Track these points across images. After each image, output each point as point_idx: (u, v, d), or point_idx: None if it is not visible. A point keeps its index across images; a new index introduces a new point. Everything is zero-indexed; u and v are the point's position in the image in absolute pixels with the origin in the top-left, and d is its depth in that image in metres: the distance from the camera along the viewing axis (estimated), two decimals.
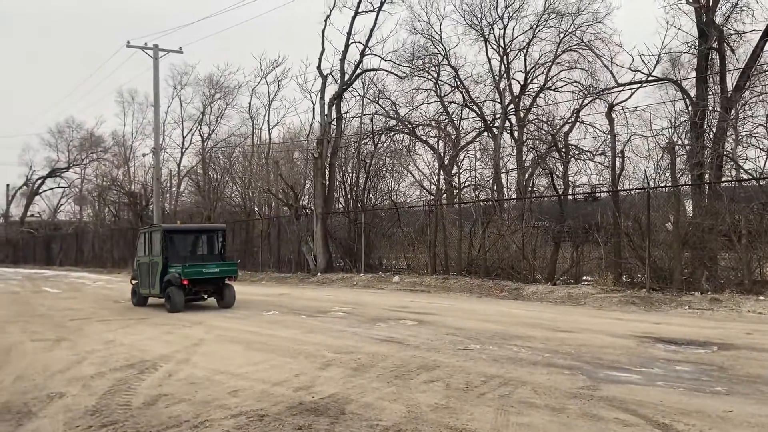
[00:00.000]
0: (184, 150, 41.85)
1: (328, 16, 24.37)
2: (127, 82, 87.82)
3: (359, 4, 24.05)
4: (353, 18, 24.17)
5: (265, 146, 35.89)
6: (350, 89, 26.04)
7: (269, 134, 36.94)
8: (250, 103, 38.15)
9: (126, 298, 16.44)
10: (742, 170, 16.14)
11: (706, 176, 16.04)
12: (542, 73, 25.68)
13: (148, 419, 5.20)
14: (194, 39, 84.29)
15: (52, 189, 61.12)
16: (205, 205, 34.60)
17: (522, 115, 26.27)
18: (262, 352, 8.20)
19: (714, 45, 16.87)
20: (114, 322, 12.00)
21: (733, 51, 17.66)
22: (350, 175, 26.84)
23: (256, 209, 33.43)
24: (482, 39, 26.25)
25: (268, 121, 37.54)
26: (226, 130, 41.10)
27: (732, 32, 17.53)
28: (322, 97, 24.98)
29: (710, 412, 5.09)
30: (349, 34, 24.32)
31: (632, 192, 16.49)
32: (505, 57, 26.20)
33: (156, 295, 14.38)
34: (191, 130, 41.63)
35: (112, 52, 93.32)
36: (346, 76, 24.97)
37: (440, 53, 26.71)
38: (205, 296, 14.45)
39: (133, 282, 15.65)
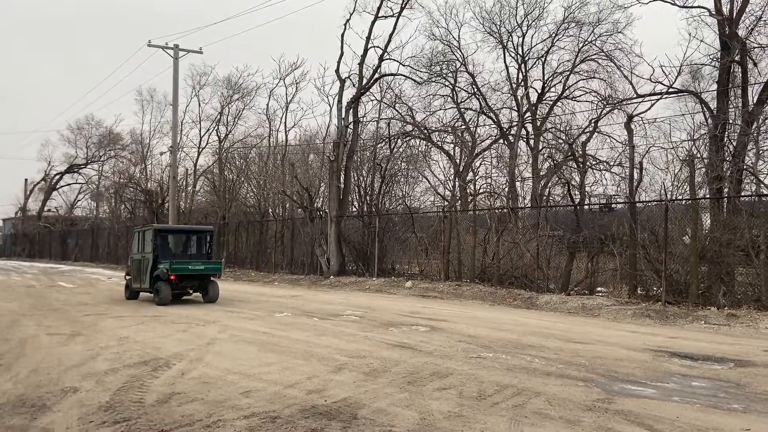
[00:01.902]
0: (200, 149, 42.19)
1: (347, 20, 24.49)
2: (146, 81, 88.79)
3: (379, 8, 24.12)
4: (372, 23, 24.23)
5: (281, 148, 36.04)
6: (367, 93, 26.09)
7: (285, 136, 37.14)
8: (267, 105, 38.63)
9: (141, 296, 16.57)
10: (762, 185, 15.93)
11: (726, 190, 15.86)
12: (560, 82, 25.59)
13: (161, 417, 5.21)
14: (214, 40, 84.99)
15: (69, 185, 61.85)
16: (220, 205, 34.81)
17: (539, 123, 26.18)
18: (275, 354, 8.21)
19: (736, 58, 16.71)
20: (128, 318, 12.09)
21: (755, 64, 17.49)
22: (365, 178, 26.89)
23: (271, 210, 33.56)
24: (501, 46, 26.23)
25: (285, 123, 37.80)
26: (243, 131, 41.40)
27: (755, 45, 17.36)
28: (340, 101, 25.05)
29: (727, 429, 5.01)
30: (368, 38, 24.38)
31: (650, 204, 16.34)
32: (523, 65, 26.15)
33: (146, 289, 15.45)
34: (208, 130, 41.97)
35: (133, 51, 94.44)
36: (364, 81, 25.02)
37: (458, 60, 26.73)
38: (191, 291, 15.58)
39: (127, 277, 16.79)
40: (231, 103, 40.60)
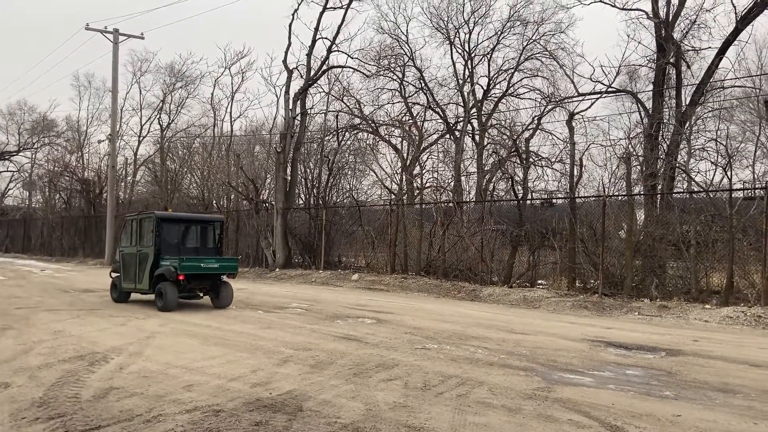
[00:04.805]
0: (141, 138, 40.91)
1: (296, 10, 24.15)
2: (84, 66, 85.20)
3: None
4: (321, 13, 23.99)
5: (226, 138, 35.35)
6: (315, 85, 25.88)
7: (231, 126, 36.47)
8: (212, 94, 37.87)
9: (76, 288, 15.94)
10: (693, 182, 16.71)
11: (659, 187, 16.56)
12: (505, 79, 26.10)
13: (99, 412, 5.05)
14: (157, 25, 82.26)
15: (0, 172, 58.81)
16: (162, 196, 33.85)
17: (484, 119, 26.62)
18: (219, 347, 8.07)
19: (671, 60, 17.43)
20: (62, 312, 11.62)
21: (689, 66, 18.30)
22: (312, 171, 26.69)
23: (215, 202, 32.88)
24: (448, 42, 26.50)
25: (231, 113, 37.29)
26: (186, 120, 40.39)
27: (689, 48, 18.16)
28: (287, 92, 24.73)
29: (660, 415, 5.25)
30: (316, 29, 24.15)
31: (588, 199, 16.89)
32: (469, 61, 26.50)
33: (142, 290, 12.89)
34: (150, 118, 40.71)
35: (70, 34, 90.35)
36: (312, 72, 24.78)
37: (406, 54, 26.87)
38: (201, 294, 13.06)
39: (114, 275, 14.01)
40: (174, 91, 39.55)
